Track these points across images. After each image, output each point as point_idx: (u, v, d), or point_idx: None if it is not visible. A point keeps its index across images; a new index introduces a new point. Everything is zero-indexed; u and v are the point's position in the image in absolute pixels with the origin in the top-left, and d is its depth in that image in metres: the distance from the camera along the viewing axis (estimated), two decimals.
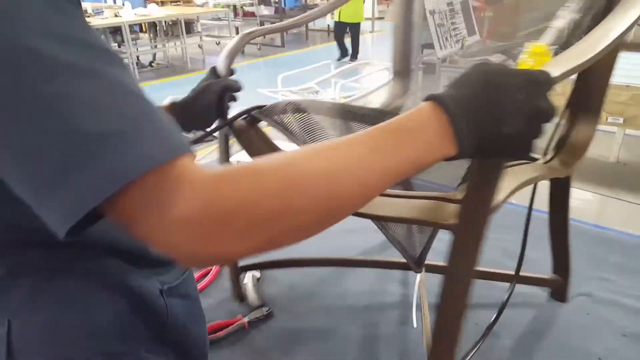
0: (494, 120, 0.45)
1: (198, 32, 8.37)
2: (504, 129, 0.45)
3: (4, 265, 0.49)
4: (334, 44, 7.80)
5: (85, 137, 0.34)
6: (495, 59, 3.06)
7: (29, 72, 0.34)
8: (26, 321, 0.50)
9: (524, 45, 0.52)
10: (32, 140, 0.34)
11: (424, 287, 1.19)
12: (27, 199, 0.37)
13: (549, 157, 0.97)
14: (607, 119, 3.04)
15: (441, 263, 0.84)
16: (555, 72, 0.51)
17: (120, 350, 0.56)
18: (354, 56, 7.43)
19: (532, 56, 0.51)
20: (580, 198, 3.20)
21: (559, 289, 1.25)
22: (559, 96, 1.84)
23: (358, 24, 7.30)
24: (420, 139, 0.42)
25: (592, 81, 0.86)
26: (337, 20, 7.00)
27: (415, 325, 1.24)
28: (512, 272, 1.14)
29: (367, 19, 9.71)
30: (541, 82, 0.48)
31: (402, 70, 1.38)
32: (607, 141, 3.72)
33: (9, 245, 0.48)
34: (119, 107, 0.37)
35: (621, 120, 3.03)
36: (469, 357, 0.99)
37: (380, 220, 0.83)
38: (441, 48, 1.59)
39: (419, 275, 1.23)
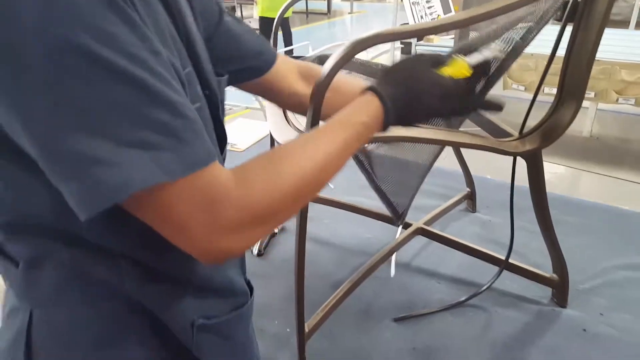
0: (413, 115, 0.58)
1: None
2: (420, 122, 0.60)
3: (34, 254, 0.47)
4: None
5: (153, 126, 0.36)
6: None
7: (100, 71, 0.34)
8: (48, 313, 0.49)
9: (452, 56, 0.60)
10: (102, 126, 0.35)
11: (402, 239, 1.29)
12: (53, 169, 0.36)
13: (528, 132, 0.98)
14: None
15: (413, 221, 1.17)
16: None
17: (138, 356, 0.52)
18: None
19: (454, 67, 0.59)
20: (554, 172, 3.66)
21: (558, 292, 1.18)
22: (531, 71, 2.77)
23: (286, 19, 5.81)
24: (365, 124, 0.54)
25: (575, 65, 0.89)
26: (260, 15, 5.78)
27: (392, 275, 1.31)
28: (518, 263, 1.20)
29: None
30: (452, 91, 0.59)
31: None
32: (580, 116, 3.72)
33: (41, 235, 0.46)
34: (173, 112, 0.37)
35: (592, 95, 3.27)
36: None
37: (460, 146, 0.96)
38: None
39: (399, 229, 1.39)
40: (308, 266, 1.19)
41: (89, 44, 0.34)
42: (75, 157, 0.35)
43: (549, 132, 0.95)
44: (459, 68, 0.61)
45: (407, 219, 1.37)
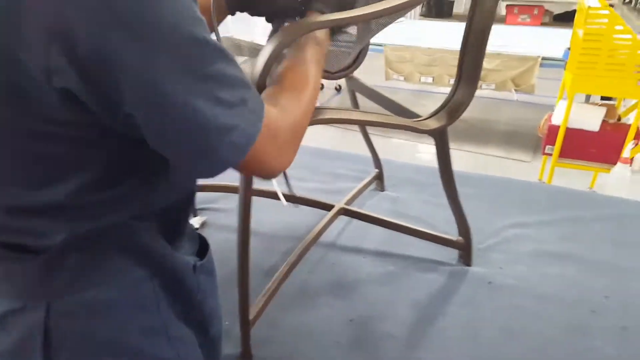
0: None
1: None
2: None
3: (58, 241, 0.48)
4: None
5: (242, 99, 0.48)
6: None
7: (197, 53, 0.44)
8: (68, 301, 0.49)
9: None
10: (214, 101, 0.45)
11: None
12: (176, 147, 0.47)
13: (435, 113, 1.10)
14: (449, 81, 3.61)
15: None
16: None
17: (157, 324, 0.56)
18: None
19: None
20: (432, 152, 4.05)
21: (464, 253, 1.32)
22: (408, 62, 3.18)
23: None
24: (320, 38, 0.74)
25: (469, 54, 1.02)
26: None
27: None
28: (424, 230, 1.33)
29: None
30: None
31: None
32: None
33: (63, 220, 0.48)
34: (244, 80, 0.49)
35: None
36: None
37: (379, 126, 1.05)
38: None
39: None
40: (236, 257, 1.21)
41: (199, 31, 0.45)
42: (209, 124, 0.45)
43: (454, 110, 1.10)
44: None
45: (328, 201, 1.46)
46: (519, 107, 4.40)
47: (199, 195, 1.60)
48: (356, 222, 1.48)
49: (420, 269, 1.35)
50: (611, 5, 6.07)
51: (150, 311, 0.56)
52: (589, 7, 2.38)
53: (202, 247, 0.71)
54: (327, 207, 1.43)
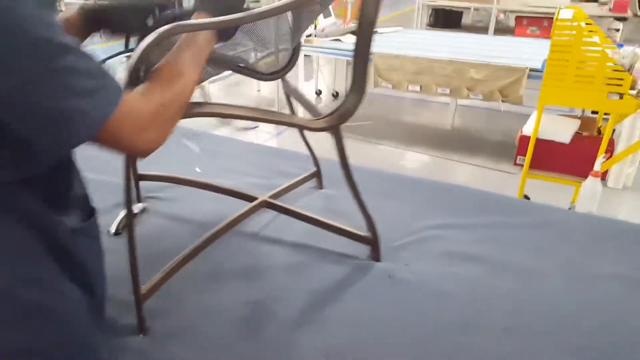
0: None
1: None
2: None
3: None
4: None
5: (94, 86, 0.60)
6: (347, 39, 4.65)
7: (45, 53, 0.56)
8: None
9: None
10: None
11: None
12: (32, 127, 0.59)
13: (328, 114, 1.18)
14: (436, 90, 3.73)
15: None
16: None
17: (35, 275, 0.69)
18: None
19: None
20: (419, 160, 4.13)
21: (372, 248, 1.39)
22: (397, 70, 3.36)
23: None
24: (203, 37, 0.85)
25: (358, 62, 1.09)
26: None
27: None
28: (337, 224, 1.42)
29: None
30: None
31: None
32: (443, 111, 4.39)
33: None
34: (99, 71, 0.62)
35: (447, 91, 3.73)
36: None
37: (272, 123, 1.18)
38: None
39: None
40: (165, 239, 1.31)
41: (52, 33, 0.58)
42: (61, 105, 0.58)
43: (343, 114, 1.19)
44: None
45: (256, 195, 1.56)
46: (509, 117, 4.41)
47: (146, 184, 1.74)
48: (283, 217, 1.58)
49: (329, 261, 1.44)
50: (622, 19, 5.96)
51: (30, 262, 0.68)
52: (557, 19, 2.42)
53: (90, 215, 0.84)
54: (252, 199, 1.53)
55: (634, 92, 2.36)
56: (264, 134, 4.29)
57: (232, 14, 0.91)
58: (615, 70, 2.34)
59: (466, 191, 1.81)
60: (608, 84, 2.38)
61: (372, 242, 1.42)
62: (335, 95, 5.13)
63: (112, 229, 1.51)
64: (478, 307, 1.28)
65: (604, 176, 3.10)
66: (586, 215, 1.83)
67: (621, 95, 2.39)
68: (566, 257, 1.46)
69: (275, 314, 1.23)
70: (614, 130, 2.85)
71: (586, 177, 2.66)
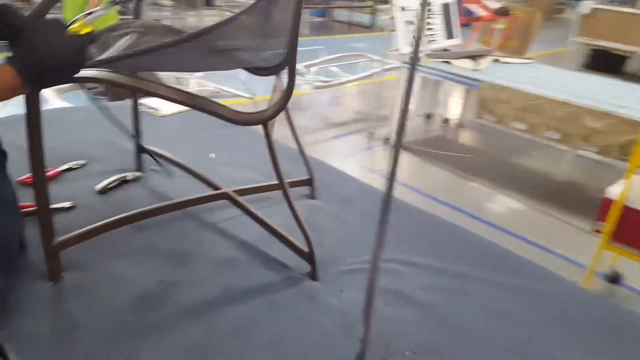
0: (48, 76, 0.83)
1: (219, 5, 8.73)
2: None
3: None
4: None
5: None
6: (462, 64, 4.23)
7: None
8: None
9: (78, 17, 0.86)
10: None
11: None
12: None
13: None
14: (545, 133, 3.45)
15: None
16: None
17: None
18: None
19: (80, 27, 0.84)
20: (507, 206, 3.66)
21: (311, 265, 1.30)
22: (504, 104, 3.24)
23: None
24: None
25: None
26: None
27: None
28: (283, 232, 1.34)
29: None
30: (78, 44, 0.83)
31: None
32: (558, 156, 3.73)
33: None
34: None
35: (557, 136, 3.38)
36: None
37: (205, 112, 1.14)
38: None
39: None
40: (126, 207, 1.39)
41: None
42: None
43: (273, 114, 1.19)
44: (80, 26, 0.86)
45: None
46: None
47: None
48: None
49: (266, 266, 1.37)
50: None
51: None
52: None
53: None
54: (216, 188, 1.53)
55: None
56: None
57: (56, 80, 0.86)
58: None
59: (463, 234, 1.58)
60: None
61: (309, 258, 1.32)
62: (428, 117, 4.88)
63: (98, 187, 1.64)
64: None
65: None
66: (597, 297, 1.47)
67: None
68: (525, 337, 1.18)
69: (173, 299, 1.21)
70: None
71: None
